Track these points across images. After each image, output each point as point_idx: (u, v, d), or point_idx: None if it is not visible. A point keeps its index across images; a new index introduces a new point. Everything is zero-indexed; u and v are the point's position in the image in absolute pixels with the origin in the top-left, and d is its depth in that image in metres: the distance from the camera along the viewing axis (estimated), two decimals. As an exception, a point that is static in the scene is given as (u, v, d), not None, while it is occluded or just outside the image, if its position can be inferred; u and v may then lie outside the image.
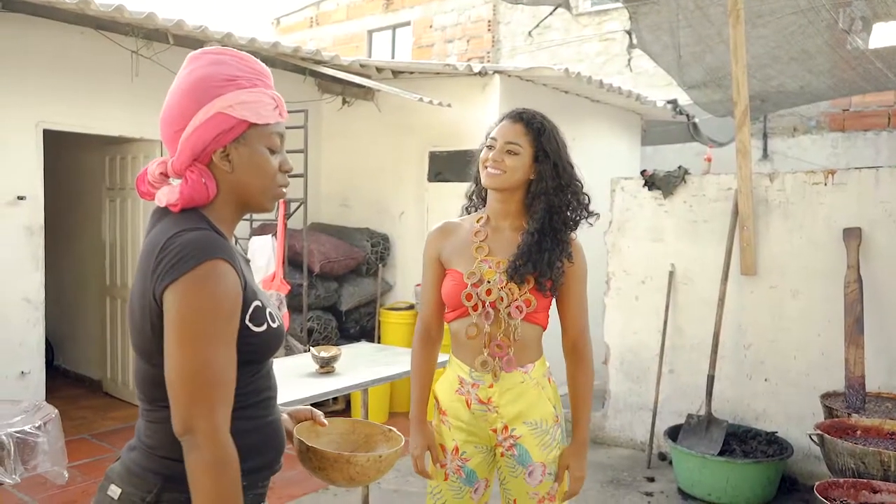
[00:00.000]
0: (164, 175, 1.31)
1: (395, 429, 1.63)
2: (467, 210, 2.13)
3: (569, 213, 1.97)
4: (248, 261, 1.42)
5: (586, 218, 2.02)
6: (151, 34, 4.68)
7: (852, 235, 3.92)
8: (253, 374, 1.30)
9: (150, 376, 1.25)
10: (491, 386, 1.95)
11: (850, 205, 4.00)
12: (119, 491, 1.26)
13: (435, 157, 5.78)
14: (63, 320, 6.37)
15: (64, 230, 6.26)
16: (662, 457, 4.49)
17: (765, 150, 7.78)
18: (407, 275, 5.91)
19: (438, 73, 5.66)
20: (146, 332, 1.23)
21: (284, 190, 1.37)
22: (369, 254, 5.79)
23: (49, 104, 4.60)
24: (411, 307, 5.53)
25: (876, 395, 3.75)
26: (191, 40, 4.78)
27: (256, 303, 1.28)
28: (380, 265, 5.87)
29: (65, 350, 6.51)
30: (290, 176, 1.41)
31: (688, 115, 6.86)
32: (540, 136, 1.94)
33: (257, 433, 1.30)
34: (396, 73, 5.85)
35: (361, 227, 6.05)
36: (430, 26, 10.38)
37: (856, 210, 3.98)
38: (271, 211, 1.41)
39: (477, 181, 2.06)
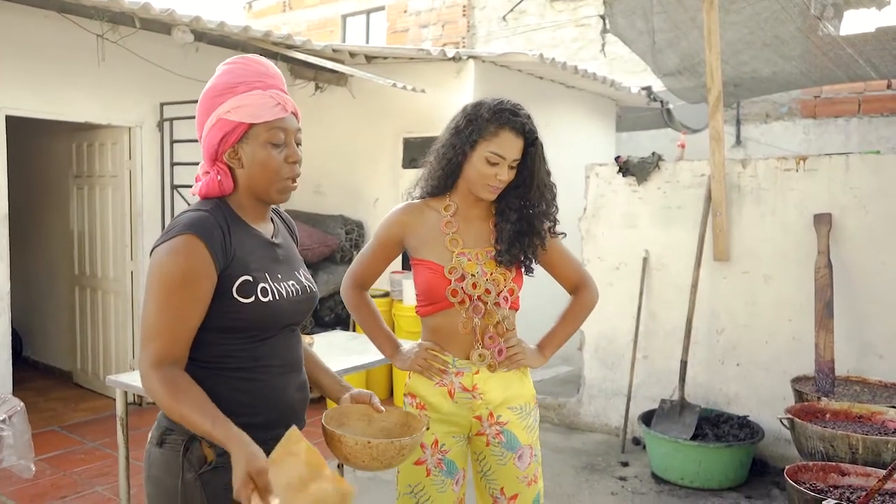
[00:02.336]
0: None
1: (423, 423, 1.70)
2: (430, 194, 2.03)
3: (548, 209, 2.00)
4: (272, 244, 1.57)
5: (552, 225, 2.03)
6: (117, 17, 4.56)
7: (823, 221, 3.96)
8: (254, 341, 1.49)
9: None
10: (477, 373, 1.95)
11: (821, 191, 4.04)
12: (150, 435, 1.55)
13: (409, 144, 5.74)
14: (32, 311, 6.25)
15: (31, 219, 6.13)
16: (637, 442, 4.53)
17: (738, 136, 7.83)
18: (382, 262, 5.86)
19: (412, 59, 5.60)
20: None
21: (293, 182, 1.53)
22: (343, 241, 5.74)
23: (11, 90, 4.47)
24: (386, 294, 5.50)
25: (845, 378, 3.80)
26: (158, 24, 4.68)
27: (246, 277, 1.46)
28: (354, 252, 5.82)
29: (34, 341, 6.39)
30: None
31: (662, 102, 6.89)
32: (533, 146, 1.93)
33: (249, 394, 1.49)
34: (370, 59, 5.78)
35: (335, 213, 6.00)
36: (405, 11, 10.27)
37: (826, 196, 4.02)
38: (282, 202, 1.57)
39: (447, 172, 1.96)
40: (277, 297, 1.50)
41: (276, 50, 5.28)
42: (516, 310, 2.03)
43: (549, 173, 1.99)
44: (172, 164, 5.11)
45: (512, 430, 1.97)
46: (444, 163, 1.97)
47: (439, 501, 1.96)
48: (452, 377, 1.96)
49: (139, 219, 5.19)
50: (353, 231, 5.86)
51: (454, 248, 1.94)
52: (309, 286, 1.61)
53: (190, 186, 5.82)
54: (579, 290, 2.12)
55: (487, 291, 1.91)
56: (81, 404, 5.28)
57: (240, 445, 1.31)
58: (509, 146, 1.89)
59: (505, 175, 1.90)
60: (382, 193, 5.90)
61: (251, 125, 1.46)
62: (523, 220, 1.94)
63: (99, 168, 5.39)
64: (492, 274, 1.93)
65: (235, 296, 1.44)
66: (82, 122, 4.91)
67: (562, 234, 2.07)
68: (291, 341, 1.58)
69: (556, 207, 2.02)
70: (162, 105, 5.10)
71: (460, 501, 2.03)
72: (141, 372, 1.40)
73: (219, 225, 1.45)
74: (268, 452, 1.36)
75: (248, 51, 5.48)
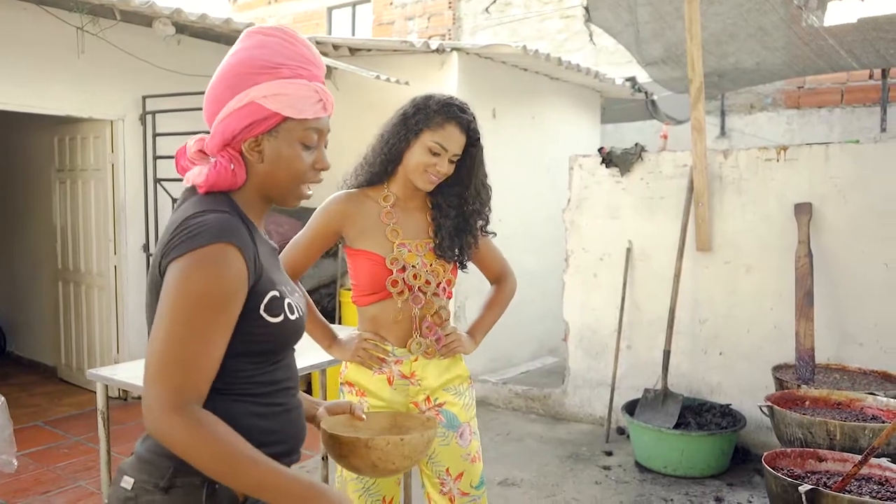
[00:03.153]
0: (202, 153, 1.28)
1: (433, 416, 1.62)
2: (367, 183, 2.05)
3: (475, 209, 2.05)
4: (274, 249, 1.38)
5: (484, 224, 2.09)
6: (97, 10, 4.52)
7: (803, 211, 3.99)
8: (271, 364, 1.29)
9: None
10: (416, 360, 2.00)
11: (801, 181, 4.06)
12: (132, 481, 1.23)
13: (394, 136, 5.72)
14: (16, 306, 6.21)
15: (13, 214, 6.09)
16: (621, 431, 4.56)
17: (722, 127, 7.86)
18: (367, 255, 5.85)
19: (396, 51, 5.59)
20: (154, 309, 1.21)
21: (310, 191, 1.33)
22: (329, 234, 5.72)
23: (-10, 83, 4.44)
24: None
25: (825, 366, 3.84)
26: (139, 16, 4.65)
27: (273, 293, 1.24)
28: (339, 245, 5.79)
29: (18, 336, 6.35)
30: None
31: (646, 93, 6.90)
32: (474, 146, 1.99)
33: (274, 420, 1.28)
34: (354, 51, 5.76)
35: (308, 206, 5.97)
36: (391, 3, 10.23)
37: (807, 186, 4.05)
38: (294, 207, 1.36)
39: (389, 158, 1.99)
40: (300, 314, 1.32)
41: (258, 42, 5.25)
42: (450, 299, 2.10)
43: (486, 175, 2.06)
44: (155, 158, 5.08)
45: (450, 409, 2.02)
46: (386, 149, 1.99)
47: (383, 484, 2.01)
48: (392, 365, 2.00)
49: (122, 213, 5.16)
50: (339, 224, 5.84)
51: (394, 239, 1.97)
52: (305, 294, 1.45)
53: (175, 180, 5.74)
54: (500, 280, 2.23)
55: (427, 282, 1.97)
56: (65, 399, 5.25)
57: (323, 494, 1.16)
58: (452, 140, 1.94)
59: (444, 167, 1.95)
60: (367, 186, 5.88)
61: (286, 118, 1.24)
62: (460, 216, 2.01)
63: (81, 162, 5.35)
64: (431, 265, 1.98)
65: (263, 314, 1.22)
66: (63, 115, 4.87)
67: (492, 233, 2.16)
68: (294, 358, 1.41)
69: (490, 209, 2.10)
70: (144, 98, 5.07)
71: (398, 482, 2.09)
72: (154, 415, 1.11)
73: (248, 230, 1.22)
74: None
75: (231, 43, 5.45)
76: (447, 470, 2.01)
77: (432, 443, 1.54)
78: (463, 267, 2.09)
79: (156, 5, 4.48)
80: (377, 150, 2.03)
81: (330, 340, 2.08)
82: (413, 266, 1.96)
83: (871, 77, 7.07)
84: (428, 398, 2.02)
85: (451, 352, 2.03)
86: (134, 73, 4.99)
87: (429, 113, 1.95)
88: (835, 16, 5.46)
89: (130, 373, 2.87)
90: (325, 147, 1.35)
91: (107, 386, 2.87)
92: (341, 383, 2.09)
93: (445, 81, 5.39)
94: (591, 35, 5.13)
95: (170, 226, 1.22)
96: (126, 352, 5.16)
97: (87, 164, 5.31)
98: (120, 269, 5.18)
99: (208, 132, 1.29)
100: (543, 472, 4.00)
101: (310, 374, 5.29)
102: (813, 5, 5.36)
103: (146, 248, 5.20)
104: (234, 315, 1.18)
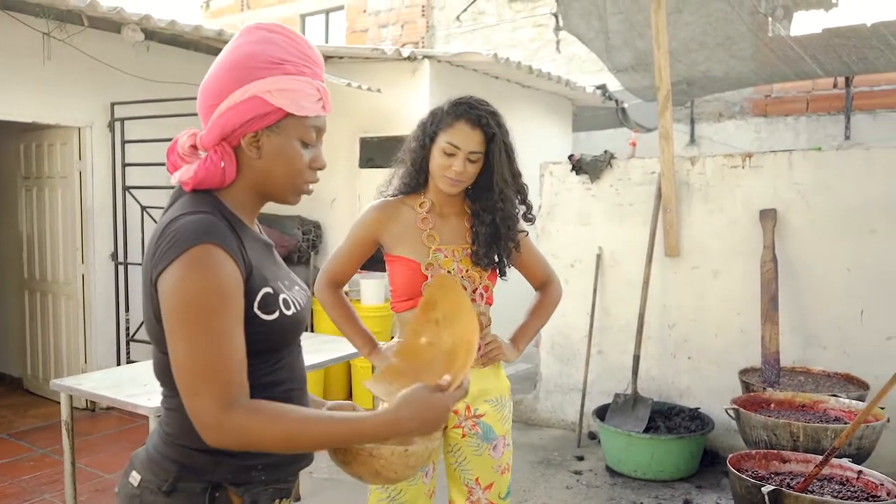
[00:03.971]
0: (195, 148, 1.25)
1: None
2: (402, 192, 2.07)
3: (514, 210, 2.04)
4: (268, 245, 1.36)
5: (528, 217, 2.10)
6: (64, 15, 4.47)
7: (768, 216, 4.06)
8: (271, 364, 1.26)
9: (162, 363, 1.21)
10: None
11: (766, 187, 4.14)
12: (139, 477, 1.24)
13: (366, 143, 5.73)
14: (-20, 316, 6.09)
15: (-22, 222, 5.97)
16: (592, 436, 4.59)
17: (692, 135, 7.98)
18: (340, 262, 5.84)
19: (368, 58, 5.60)
20: (152, 320, 1.20)
21: (311, 186, 1.32)
22: (301, 241, 5.71)
23: (-47, 89, 4.37)
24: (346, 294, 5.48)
25: (790, 369, 3.90)
26: (107, 22, 4.61)
27: (266, 290, 1.22)
28: (312, 253, 5.80)
29: (-18, 347, 6.23)
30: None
31: (616, 101, 6.98)
32: (493, 142, 1.95)
33: None
34: (327, 58, 5.75)
35: (292, 214, 5.96)
36: (364, 11, 10.25)
37: (771, 192, 4.12)
38: (294, 205, 1.35)
39: (417, 168, 2.01)
40: (298, 309, 1.29)
41: (229, 49, 5.22)
42: (490, 305, 2.07)
43: (513, 172, 2.01)
44: (124, 165, 5.03)
45: (488, 421, 2.01)
46: (411, 158, 2.02)
47: (411, 493, 1.97)
48: None
49: (90, 221, 5.09)
50: (311, 231, 5.83)
51: (431, 244, 1.97)
52: (307, 288, 1.43)
53: (143, 188, 5.68)
54: (545, 286, 2.20)
55: (463, 287, 1.94)
56: (31, 411, 5.16)
57: (403, 410, 1.20)
58: (463, 137, 1.92)
59: (460, 166, 1.92)
60: (339, 193, 5.88)
61: (288, 114, 1.23)
62: (497, 222, 1.98)
63: (48, 169, 5.28)
64: (468, 271, 1.97)
65: (258, 312, 1.20)
66: (29, 122, 4.79)
67: (523, 231, 2.11)
68: (300, 357, 1.37)
69: (521, 207, 2.07)
70: (113, 105, 5.02)
71: (431, 493, 2.05)
72: (211, 426, 1.10)
73: (230, 229, 1.21)
74: (289, 493, 1.29)
75: (202, 50, 5.42)
76: (476, 480, 2.01)
77: (436, 452, 1.53)
78: (503, 275, 2.05)
79: (124, 11, 4.44)
80: (407, 162, 2.05)
81: (370, 348, 2.08)
82: (448, 271, 1.95)
83: (835, 86, 7.24)
84: (468, 407, 2.00)
85: (491, 360, 2.01)
86: (102, 79, 4.94)
87: (441, 115, 1.96)
88: (801, 26, 5.60)
89: (96, 383, 2.84)
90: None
91: (72, 397, 2.83)
92: None
93: (417, 89, 5.42)
94: (558, 43, 5.19)
95: (154, 234, 1.21)
96: (94, 362, 5.09)
97: (53, 172, 5.24)
98: (87, 277, 5.11)
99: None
100: (515, 477, 4.00)
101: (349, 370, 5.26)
102: (779, 15, 5.48)
103: (114, 256, 5.14)
104: (241, 306, 1.17)
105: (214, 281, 1.13)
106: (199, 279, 1.12)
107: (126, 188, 5.03)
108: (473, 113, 1.93)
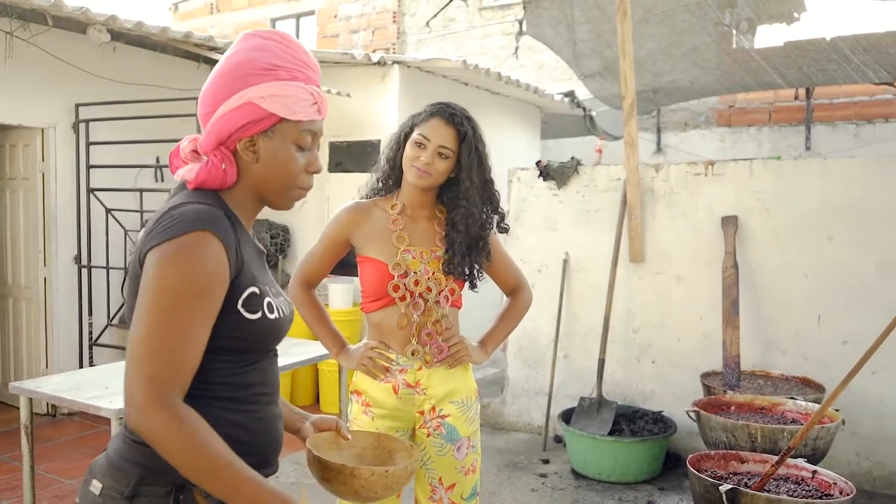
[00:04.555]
0: (196, 152, 1.30)
1: (417, 447, 1.61)
2: (376, 193, 2.12)
3: (485, 217, 2.05)
4: (261, 252, 1.38)
5: (500, 222, 2.11)
6: (27, 14, 4.41)
7: (729, 223, 4.15)
8: (244, 365, 1.26)
9: None
10: (420, 369, 2.01)
11: (728, 194, 4.23)
12: (100, 485, 1.21)
13: (335, 148, 5.73)
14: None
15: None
16: (558, 439, 4.63)
17: (658, 143, 8.12)
18: (308, 267, 5.83)
19: (338, 63, 5.60)
20: (132, 299, 1.19)
21: (305, 192, 1.35)
22: (269, 245, 5.69)
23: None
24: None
25: (750, 373, 3.99)
26: (72, 22, 4.55)
27: (253, 289, 1.24)
28: (280, 257, 5.78)
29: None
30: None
31: (584, 109, 7.07)
32: (464, 142, 1.99)
33: (245, 430, 1.26)
34: (295, 62, 5.75)
35: (261, 218, 5.93)
36: (335, 16, 10.25)
37: (733, 199, 4.21)
38: (288, 209, 1.37)
39: (391, 165, 2.07)
40: (281, 315, 1.30)
41: (197, 52, 5.20)
42: (458, 308, 2.09)
43: (484, 178, 2.03)
44: (88, 167, 4.96)
45: (453, 423, 2.03)
46: (386, 156, 2.08)
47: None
48: (397, 374, 2.01)
49: (53, 224, 5.01)
50: (279, 236, 5.81)
51: (400, 245, 2.00)
52: (290, 302, 1.43)
53: (107, 190, 5.60)
54: (516, 292, 2.23)
55: (429, 289, 1.98)
56: (-10, 416, 5.05)
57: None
58: (435, 130, 1.97)
59: (428, 157, 1.95)
60: (308, 197, 5.79)
61: (282, 119, 1.26)
62: (471, 232, 2.00)
63: (10, 171, 5.19)
64: (434, 273, 1.99)
65: (240, 310, 1.21)
66: (-9, 122, 4.72)
67: (505, 229, 2.15)
68: (275, 365, 1.37)
69: (497, 212, 2.09)
70: (77, 106, 4.95)
71: (398, 493, 2.07)
72: (136, 406, 1.10)
73: (230, 222, 1.23)
74: None
75: (169, 52, 5.38)
76: (440, 479, 2.04)
77: (415, 473, 1.56)
78: (473, 287, 2.07)
79: (90, 12, 4.40)
80: (382, 163, 2.10)
81: (339, 348, 2.11)
82: (415, 272, 1.98)
83: (796, 98, 7.42)
84: (433, 408, 2.02)
85: (456, 361, 2.03)
86: (67, 80, 4.87)
87: (418, 115, 2.04)
88: (764, 39, 5.75)
89: (57, 385, 2.80)
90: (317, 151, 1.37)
91: (32, 401, 2.79)
92: (351, 391, 2.11)
93: (387, 94, 5.44)
94: (516, 50, 5.25)
95: (154, 216, 1.23)
96: (56, 366, 5.00)
97: (15, 173, 5.15)
98: (50, 281, 5.03)
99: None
100: (480, 481, 4.02)
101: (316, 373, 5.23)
102: (744, 28, 5.63)
103: (77, 259, 5.06)
104: (216, 304, 1.17)
105: (198, 273, 1.14)
106: (184, 267, 1.14)
107: (90, 190, 4.96)
108: (448, 111, 2.00)
